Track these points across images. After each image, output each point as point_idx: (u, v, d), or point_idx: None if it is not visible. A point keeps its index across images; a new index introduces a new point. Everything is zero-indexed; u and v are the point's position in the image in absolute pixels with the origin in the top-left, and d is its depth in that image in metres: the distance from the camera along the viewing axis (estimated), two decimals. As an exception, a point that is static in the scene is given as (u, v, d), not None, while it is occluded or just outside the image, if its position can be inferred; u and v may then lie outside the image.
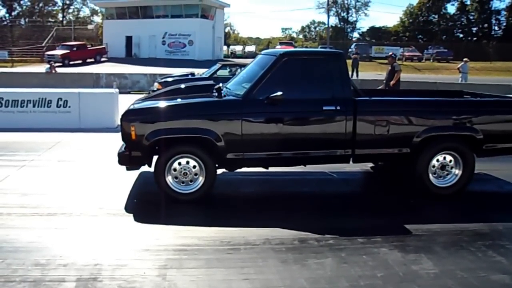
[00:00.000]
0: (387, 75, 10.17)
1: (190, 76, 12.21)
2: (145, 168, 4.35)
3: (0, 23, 44.89)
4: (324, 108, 4.11)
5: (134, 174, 4.82)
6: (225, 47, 41.32)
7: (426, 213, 4.19)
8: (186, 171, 4.06)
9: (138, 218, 3.73)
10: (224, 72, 11.36)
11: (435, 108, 4.49)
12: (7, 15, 47.82)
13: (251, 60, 5.91)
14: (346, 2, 51.85)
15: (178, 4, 33.31)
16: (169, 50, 33.54)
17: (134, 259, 2.98)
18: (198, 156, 4.04)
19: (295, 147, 4.23)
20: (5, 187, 4.52)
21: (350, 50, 34.07)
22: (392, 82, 9.69)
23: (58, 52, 28.37)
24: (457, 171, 4.35)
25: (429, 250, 3.22)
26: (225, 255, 3.07)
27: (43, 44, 33.52)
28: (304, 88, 4.21)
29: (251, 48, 42.88)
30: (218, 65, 12.04)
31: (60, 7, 50.91)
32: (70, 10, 51.79)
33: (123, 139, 4.13)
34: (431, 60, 34.64)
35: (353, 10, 52.74)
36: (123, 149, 4.15)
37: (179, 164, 4.05)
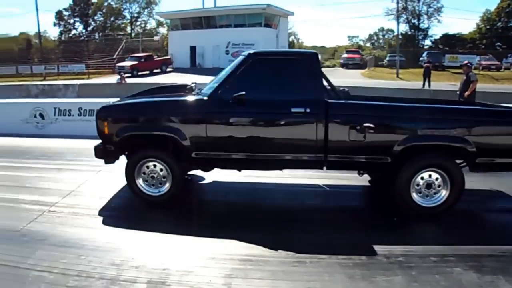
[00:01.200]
0: (461, 85, 9.62)
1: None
2: (216, 176, 4.47)
3: (78, 38, 49.50)
4: (293, 110, 3.97)
5: (211, 181, 5.16)
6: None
7: (508, 232, 3.93)
8: (153, 175, 4.26)
9: (206, 226, 3.89)
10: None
11: (419, 114, 4.07)
12: (83, 30, 52.60)
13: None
14: (417, 8, 49.92)
15: (241, 13, 34.13)
16: (232, 59, 34.07)
17: (200, 266, 3.12)
18: (163, 160, 4.20)
19: (263, 150, 4.11)
20: (84, 190, 4.96)
21: (421, 58, 32.69)
22: (466, 93, 9.14)
23: (127, 63, 30.35)
24: (444, 191, 4.00)
25: (508, 272, 3.04)
26: (290, 268, 3.11)
27: (114, 56, 36.31)
28: (273, 89, 4.08)
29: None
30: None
31: (128, 20, 54.84)
32: (138, 23, 55.50)
33: (98, 134, 4.38)
34: (511, 69, 32.17)
35: (425, 16, 50.47)
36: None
37: (147, 167, 4.26)
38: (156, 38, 45.02)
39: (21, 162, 6.39)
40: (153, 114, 4.28)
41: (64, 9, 52.31)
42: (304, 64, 4.15)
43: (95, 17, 53.17)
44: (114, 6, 53.59)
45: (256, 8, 33.22)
